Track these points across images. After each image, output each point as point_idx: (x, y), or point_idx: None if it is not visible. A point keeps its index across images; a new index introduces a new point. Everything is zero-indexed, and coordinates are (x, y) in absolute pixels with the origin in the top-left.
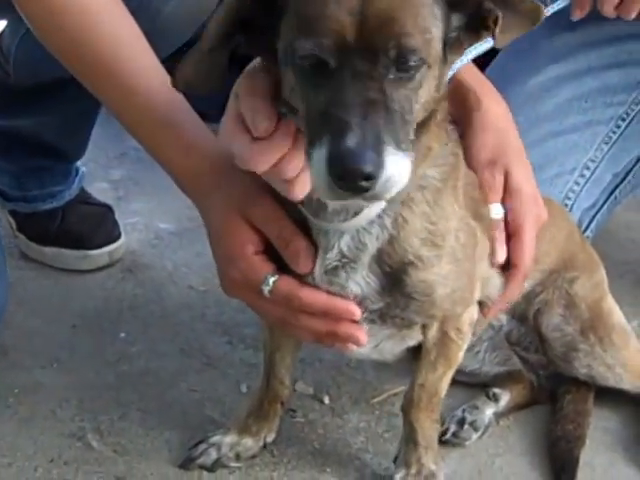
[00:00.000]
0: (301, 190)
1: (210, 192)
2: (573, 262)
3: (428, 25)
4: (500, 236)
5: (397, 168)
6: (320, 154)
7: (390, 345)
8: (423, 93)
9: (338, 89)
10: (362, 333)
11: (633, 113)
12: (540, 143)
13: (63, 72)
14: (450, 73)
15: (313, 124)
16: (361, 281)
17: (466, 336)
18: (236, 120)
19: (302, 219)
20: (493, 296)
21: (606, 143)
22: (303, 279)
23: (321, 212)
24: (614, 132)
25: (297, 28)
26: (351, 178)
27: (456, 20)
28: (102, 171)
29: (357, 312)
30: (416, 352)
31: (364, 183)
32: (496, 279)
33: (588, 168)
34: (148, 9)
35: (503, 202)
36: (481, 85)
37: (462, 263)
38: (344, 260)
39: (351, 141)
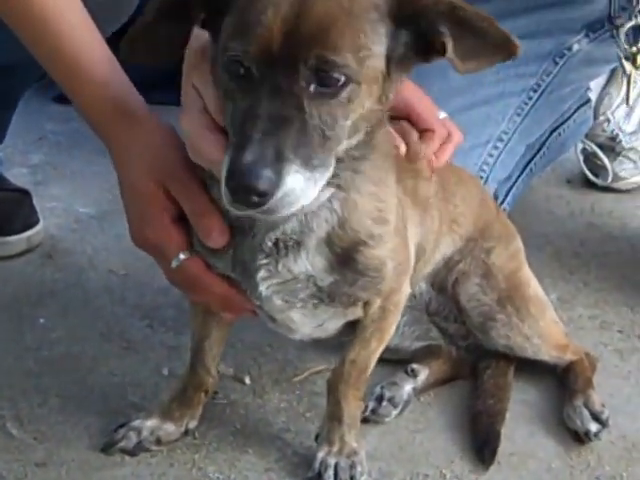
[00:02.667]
0: None
1: (127, 146)
2: (489, 231)
3: (366, 42)
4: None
5: (298, 186)
6: (225, 164)
7: (334, 322)
8: (354, 109)
9: (254, 101)
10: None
11: (544, 84)
12: (453, 116)
13: None
14: None
15: (231, 132)
16: (306, 262)
17: (401, 308)
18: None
19: None
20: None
21: (518, 115)
22: (236, 253)
23: None
24: (526, 103)
25: (233, 29)
26: (243, 193)
27: (404, 37)
28: (20, 156)
29: (250, 309)
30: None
31: (256, 199)
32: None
33: (501, 140)
34: None
35: None
36: None
37: (402, 234)
38: (283, 237)
39: (248, 157)
